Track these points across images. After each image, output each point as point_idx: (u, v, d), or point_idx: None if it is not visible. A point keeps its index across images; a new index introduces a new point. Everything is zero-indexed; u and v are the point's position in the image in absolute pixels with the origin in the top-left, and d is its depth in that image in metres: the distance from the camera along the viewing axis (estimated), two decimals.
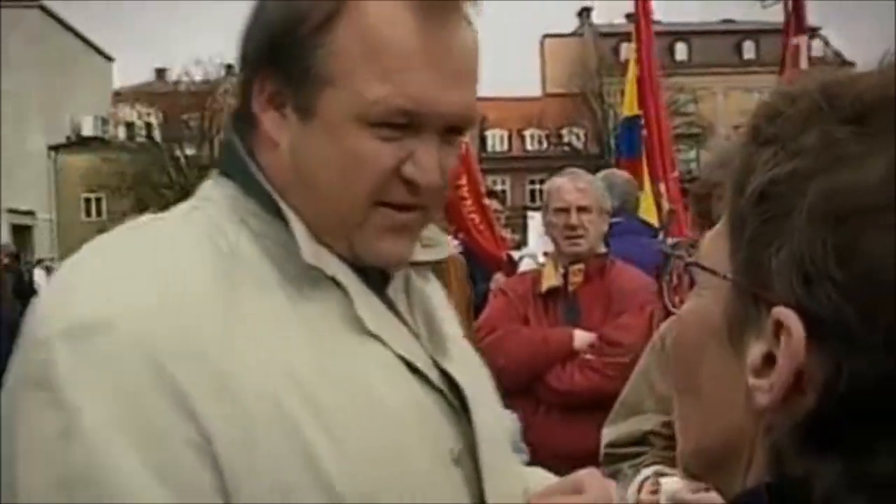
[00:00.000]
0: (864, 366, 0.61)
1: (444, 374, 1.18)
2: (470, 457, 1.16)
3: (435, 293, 1.32)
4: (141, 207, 34.72)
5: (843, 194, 0.62)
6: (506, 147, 52.20)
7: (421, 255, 1.25)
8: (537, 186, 45.60)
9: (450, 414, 1.16)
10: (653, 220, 6.00)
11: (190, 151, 42.12)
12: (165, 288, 1.03)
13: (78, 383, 0.97)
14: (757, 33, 50.97)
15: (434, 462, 1.13)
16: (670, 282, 0.81)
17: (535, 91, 55.54)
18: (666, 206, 6.36)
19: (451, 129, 1.13)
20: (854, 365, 0.61)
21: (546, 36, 57.21)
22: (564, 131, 48.50)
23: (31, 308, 1.05)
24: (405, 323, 1.20)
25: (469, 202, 6.16)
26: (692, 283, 0.77)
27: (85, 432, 0.96)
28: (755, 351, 0.66)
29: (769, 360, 0.65)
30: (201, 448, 0.99)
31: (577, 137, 47.65)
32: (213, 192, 1.16)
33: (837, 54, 49.47)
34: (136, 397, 0.98)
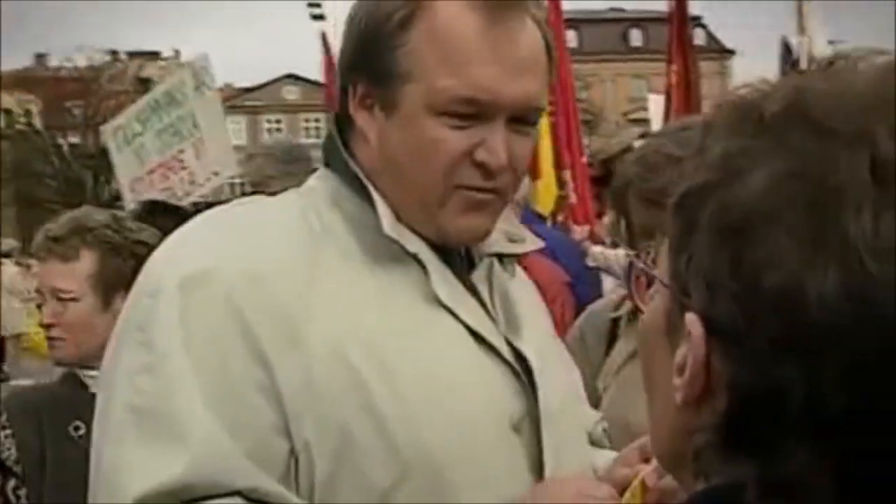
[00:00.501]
0: (756, 372, 0.62)
1: (515, 352, 1.28)
2: (533, 427, 1.25)
3: (524, 289, 1.43)
4: (21, 197, 33.90)
5: (731, 208, 0.63)
6: None
7: (507, 247, 1.37)
8: None
9: (516, 386, 1.27)
10: (549, 207, 6.40)
11: (74, 140, 40.09)
12: (257, 254, 1.20)
13: (170, 331, 1.15)
14: (644, 21, 52.90)
15: (491, 425, 1.23)
16: (635, 283, 0.84)
17: None
18: (565, 193, 6.65)
19: (517, 119, 1.24)
20: (747, 370, 0.63)
21: None
22: None
23: (145, 265, 1.25)
24: (482, 304, 1.31)
25: None
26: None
27: (165, 372, 1.14)
28: (680, 353, 0.68)
29: (684, 360, 0.67)
30: (269, 391, 1.15)
31: None
32: (316, 183, 1.33)
33: (716, 41, 54.46)
34: (217, 344, 1.15)
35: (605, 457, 1.46)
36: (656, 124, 7.74)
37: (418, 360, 1.21)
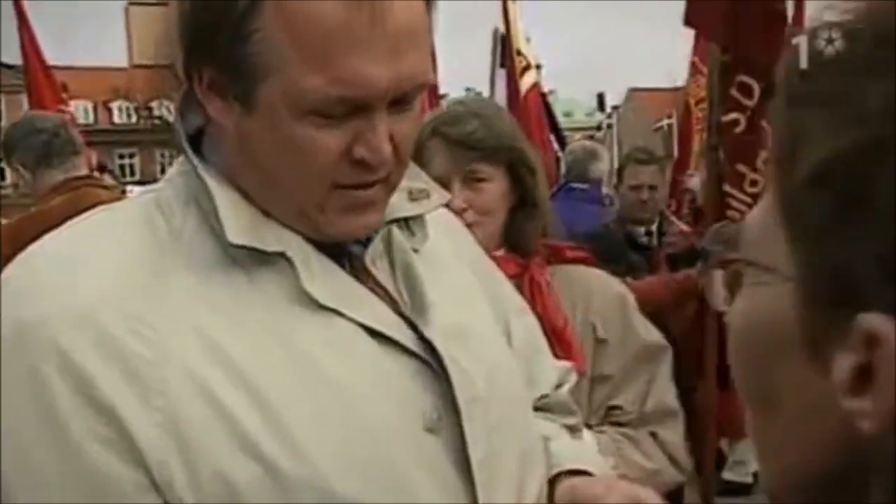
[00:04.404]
0: None
1: (425, 339, 1.13)
2: (454, 421, 1.11)
3: (439, 243, 1.26)
4: None
5: None
6: (91, 119, 49.29)
7: (409, 209, 1.20)
8: (126, 161, 47.01)
9: (427, 380, 1.12)
10: None
11: None
12: (83, 290, 1.03)
13: (7, 393, 1.02)
14: None
15: (398, 434, 1.09)
16: (720, 277, 0.65)
17: (122, 62, 52.63)
18: None
19: (398, 100, 1.06)
20: None
21: (131, 4, 53.42)
22: (154, 104, 45.68)
23: None
24: (382, 287, 1.16)
25: None
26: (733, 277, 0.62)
27: (11, 437, 1.02)
28: (842, 365, 0.53)
29: (863, 374, 0.52)
30: (120, 446, 0.99)
31: (168, 111, 50.57)
32: (174, 171, 1.17)
33: None
34: (50, 405, 0.99)
35: (555, 429, 1.35)
36: None
37: (295, 381, 1.05)
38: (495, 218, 1.88)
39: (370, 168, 1.07)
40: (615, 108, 66.26)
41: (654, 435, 1.89)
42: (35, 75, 7.06)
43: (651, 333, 1.96)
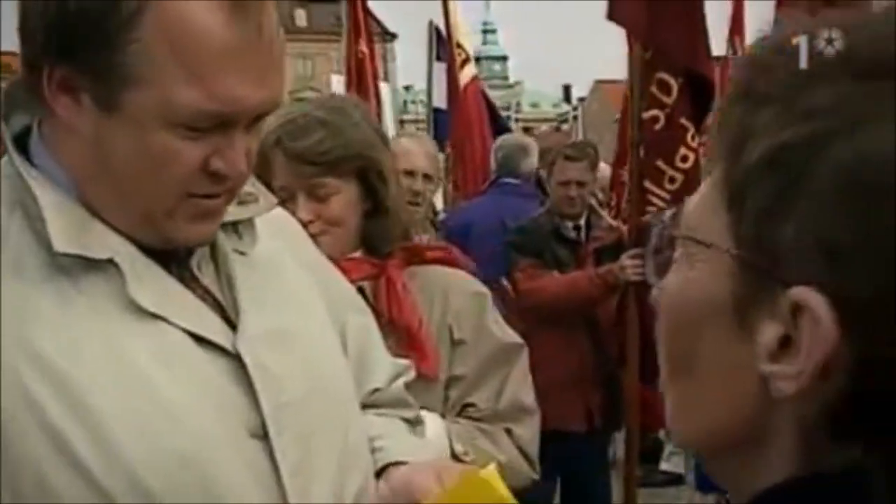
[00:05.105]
0: (893, 345, 0.55)
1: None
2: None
3: (282, 240, 1.30)
4: None
5: (868, 163, 0.55)
6: None
7: (237, 213, 1.21)
8: None
9: (250, 384, 1.13)
10: None
11: None
12: None
13: None
14: (308, 1, 54.01)
15: (221, 440, 1.09)
16: (655, 254, 0.70)
17: None
18: None
19: (255, 119, 1.11)
20: (883, 345, 0.55)
21: None
22: None
23: None
24: (209, 293, 1.17)
25: None
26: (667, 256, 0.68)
27: None
28: (769, 333, 0.59)
29: (786, 343, 0.58)
30: None
31: None
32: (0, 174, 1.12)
33: (380, 24, 54.11)
34: None
35: (387, 423, 1.38)
36: None
37: (116, 388, 1.05)
38: (346, 225, 1.86)
39: (223, 180, 1.11)
40: (581, 99, 66.52)
41: (508, 431, 1.89)
42: None
43: (506, 333, 1.96)
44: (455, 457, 1.77)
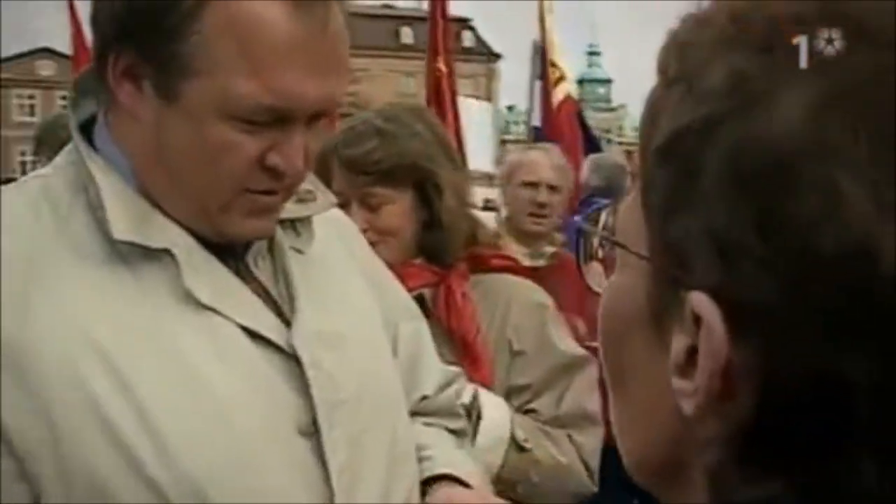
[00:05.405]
0: (801, 358, 0.46)
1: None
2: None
3: (338, 241, 1.29)
4: None
5: (755, 146, 0.47)
6: None
7: (295, 210, 1.20)
8: None
9: (303, 382, 1.12)
10: None
11: None
12: None
13: None
14: (414, 19, 54.27)
15: (270, 436, 1.09)
16: (589, 259, 0.64)
17: None
18: None
19: (315, 116, 1.09)
20: (788, 358, 0.47)
21: None
22: None
23: None
24: (264, 288, 1.17)
25: None
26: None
27: None
28: (678, 345, 0.51)
29: (693, 355, 0.50)
30: None
31: None
32: (64, 158, 1.14)
33: (484, 44, 57.98)
34: None
35: (434, 434, 1.36)
36: None
37: (169, 380, 1.05)
38: (399, 235, 1.84)
39: (280, 176, 1.09)
40: None
41: (569, 437, 1.86)
42: (82, 67, 7.05)
43: (569, 346, 1.92)
44: (516, 443, 1.76)
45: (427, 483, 1.28)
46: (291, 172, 1.09)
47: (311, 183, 1.23)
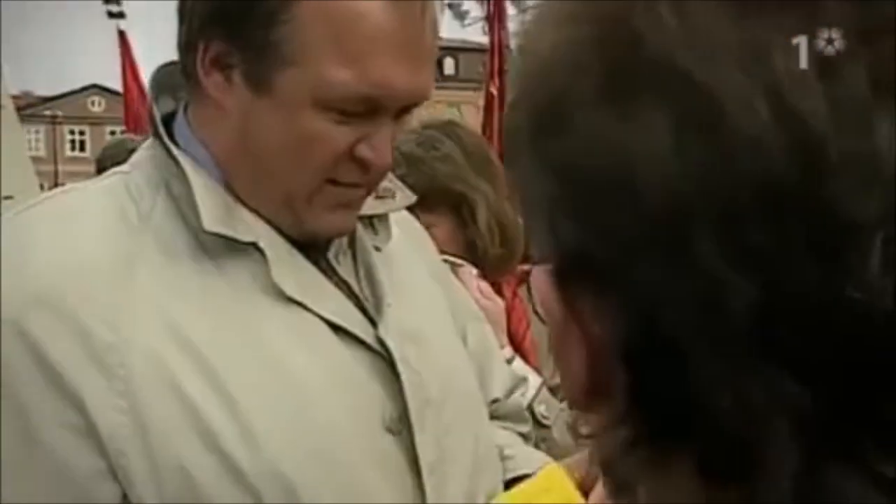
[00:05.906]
0: (631, 309, 0.40)
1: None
2: (409, 422, 1.10)
3: (404, 245, 1.26)
4: None
5: (540, 97, 0.45)
6: None
7: (375, 207, 1.19)
8: None
9: (389, 378, 1.11)
10: None
11: None
12: (52, 271, 1.01)
13: None
14: (456, 50, 52.14)
15: (357, 431, 1.08)
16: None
17: None
18: None
19: (404, 109, 1.09)
20: (625, 309, 0.41)
21: None
22: None
23: None
24: (346, 284, 1.16)
25: None
26: None
27: None
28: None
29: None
30: (83, 431, 0.98)
31: None
32: (142, 154, 1.13)
33: None
34: (14, 387, 0.98)
35: (509, 437, 1.35)
36: None
37: (259, 373, 1.04)
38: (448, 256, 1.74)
39: (367, 169, 1.08)
40: None
41: None
42: (133, 100, 7.73)
43: None
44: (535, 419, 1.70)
45: (510, 483, 1.26)
46: (379, 164, 1.08)
47: (388, 180, 1.21)
